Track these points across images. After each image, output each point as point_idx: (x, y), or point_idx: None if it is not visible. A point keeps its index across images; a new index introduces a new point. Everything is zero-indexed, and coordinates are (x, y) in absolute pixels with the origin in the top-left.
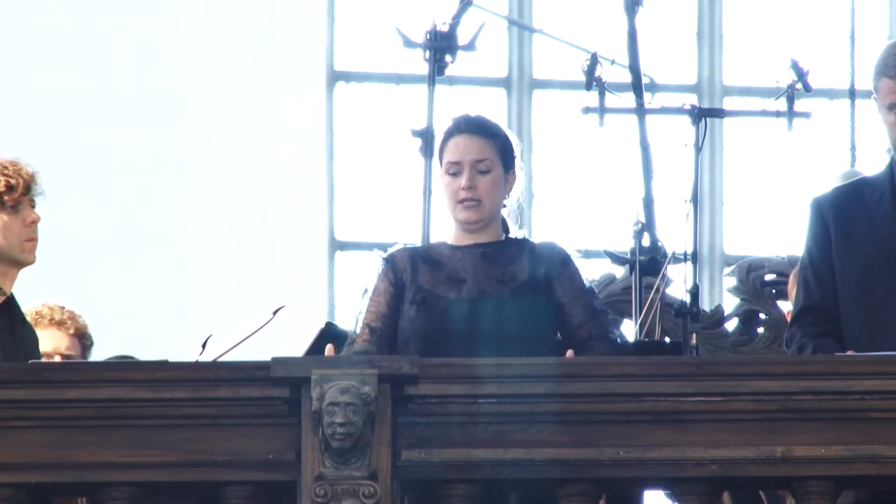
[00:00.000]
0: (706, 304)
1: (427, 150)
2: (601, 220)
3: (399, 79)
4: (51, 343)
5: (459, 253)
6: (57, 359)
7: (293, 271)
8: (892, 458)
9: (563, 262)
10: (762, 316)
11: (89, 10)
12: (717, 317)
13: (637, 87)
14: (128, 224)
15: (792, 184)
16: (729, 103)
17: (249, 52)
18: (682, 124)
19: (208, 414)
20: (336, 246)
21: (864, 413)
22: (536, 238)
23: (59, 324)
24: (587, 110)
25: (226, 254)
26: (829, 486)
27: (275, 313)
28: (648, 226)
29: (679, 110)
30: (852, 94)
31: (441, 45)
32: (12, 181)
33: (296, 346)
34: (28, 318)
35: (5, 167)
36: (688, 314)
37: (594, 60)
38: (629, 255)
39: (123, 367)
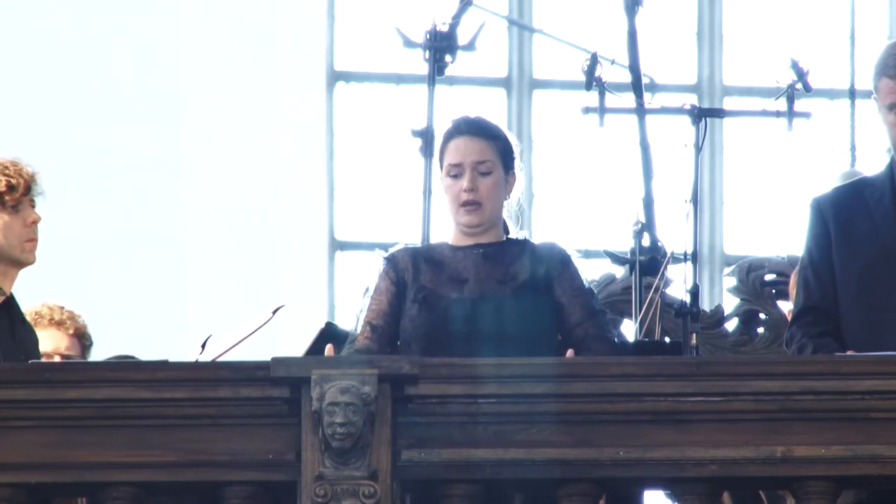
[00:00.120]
0: (706, 304)
1: (427, 150)
2: (601, 220)
3: (399, 79)
4: (50, 343)
5: (461, 253)
6: (56, 359)
7: (293, 271)
8: (892, 458)
9: (563, 262)
10: (762, 316)
11: (89, 10)
12: (717, 317)
13: (637, 87)
14: (128, 224)
15: (792, 184)
16: (729, 103)
17: (249, 52)
18: (682, 124)
19: (208, 414)
20: (336, 246)
21: (864, 413)
22: (536, 238)
23: (59, 324)
24: (587, 110)
25: (226, 254)
26: (829, 486)
27: (274, 313)
28: (648, 226)
29: (679, 110)
30: (852, 94)
31: (441, 45)
32: (13, 181)
33: (296, 346)
34: (28, 318)
35: (6, 167)
36: (688, 314)
37: (594, 60)
38: (629, 255)
39: (123, 367)
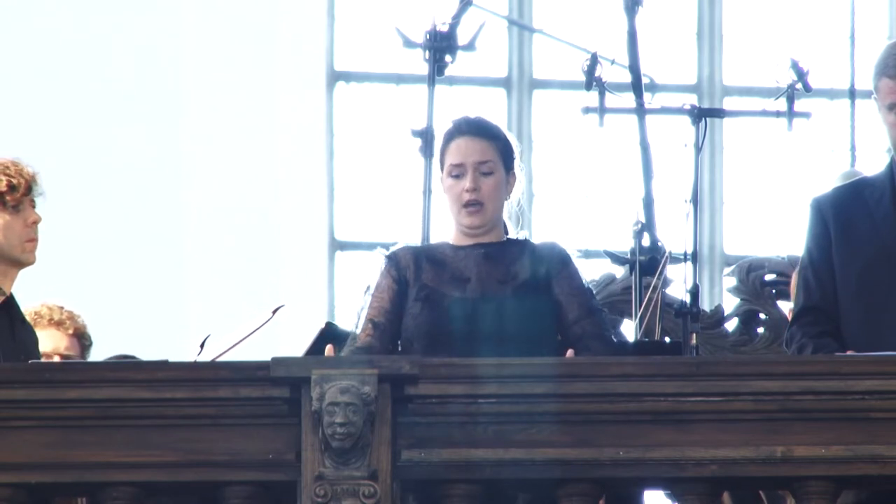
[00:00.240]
0: (706, 304)
1: (427, 150)
2: (601, 220)
3: (399, 79)
4: (50, 343)
5: (462, 252)
6: (56, 359)
7: (293, 271)
8: (892, 458)
9: (562, 262)
10: (762, 316)
11: (89, 10)
12: (717, 317)
13: (637, 87)
14: (128, 224)
15: (792, 184)
16: (729, 103)
17: (249, 52)
18: (682, 124)
19: (208, 414)
20: (336, 246)
21: (864, 413)
22: (536, 238)
23: (59, 324)
24: (587, 110)
25: (226, 254)
26: (829, 486)
27: (274, 313)
28: (648, 226)
29: (679, 110)
30: (852, 94)
31: (441, 45)
32: (14, 181)
33: (296, 346)
34: (28, 318)
35: (7, 167)
36: (688, 314)
37: (594, 60)
38: (629, 255)
39: (123, 367)
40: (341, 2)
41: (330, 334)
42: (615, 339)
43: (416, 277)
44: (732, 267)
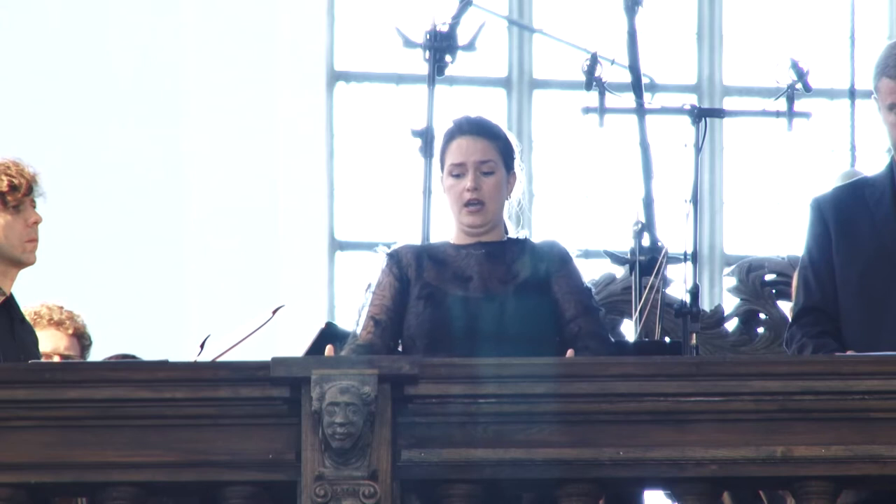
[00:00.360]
0: (706, 304)
1: (427, 150)
2: (601, 220)
3: (399, 79)
4: (50, 343)
5: (464, 251)
6: (56, 359)
7: (293, 271)
8: (892, 458)
9: (562, 260)
10: (762, 316)
11: (89, 10)
12: (717, 317)
13: (637, 87)
14: (128, 224)
15: (792, 184)
16: (729, 103)
17: (249, 52)
18: (682, 124)
19: (208, 414)
20: (336, 246)
21: (864, 413)
22: (536, 238)
23: (58, 324)
24: (587, 110)
25: (226, 254)
26: (829, 486)
27: (274, 313)
28: (648, 226)
29: (679, 110)
30: (852, 94)
31: (441, 45)
32: (15, 181)
33: (296, 346)
34: (27, 318)
35: (8, 167)
36: (688, 314)
37: (594, 60)
38: (629, 255)
39: (123, 367)
40: (341, 2)
41: (330, 334)
42: (612, 339)
43: (417, 276)
44: (732, 267)
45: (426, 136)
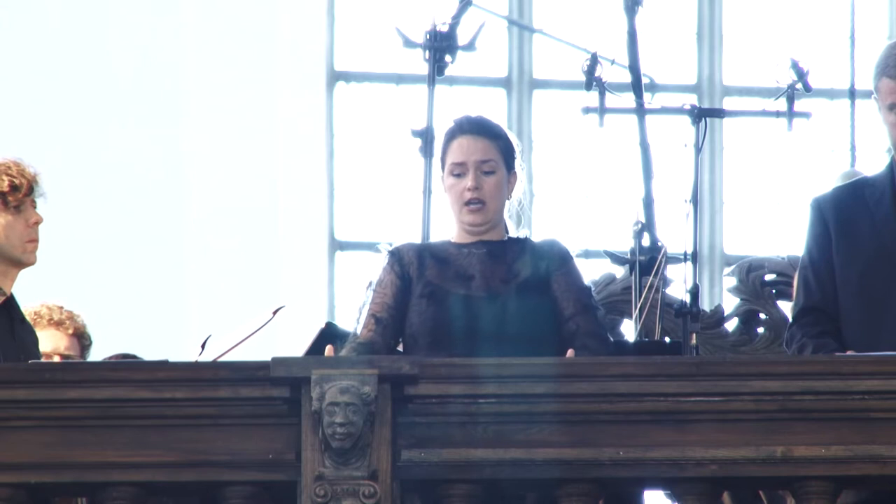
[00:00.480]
0: (706, 304)
1: (427, 150)
2: (601, 220)
3: (399, 79)
4: (50, 343)
5: (465, 250)
6: (56, 359)
7: (293, 271)
8: (892, 458)
9: (562, 258)
10: (762, 316)
11: (89, 10)
12: (717, 317)
13: (637, 87)
14: (128, 224)
15: (792, 184)
16: (729, 103)
17: (249, 52)
18: (682, 124)
19: (208, 414)
20: (336, 246)
21: (864, 413)
22: (536, 238)
23: (58, 324)
24: (587, 110)
25: (226, 254)
26: (829, 486)
27: (274, 313)
28: (648, 226)
29: (679, 110)
30: (852, 94)
31: (441, 45)
32: (16, 181)
33: (296, 346)
34: (27, 318)
35: (9, 167)
36: (688, 314)
37: (594, 60)
38: (629, 255)
39: (123, 367)
40: (341, 2)
41: (330, 334)
42: (611, 338)
43: (419, 274)
44: (732, 267)
45: (426, 136)
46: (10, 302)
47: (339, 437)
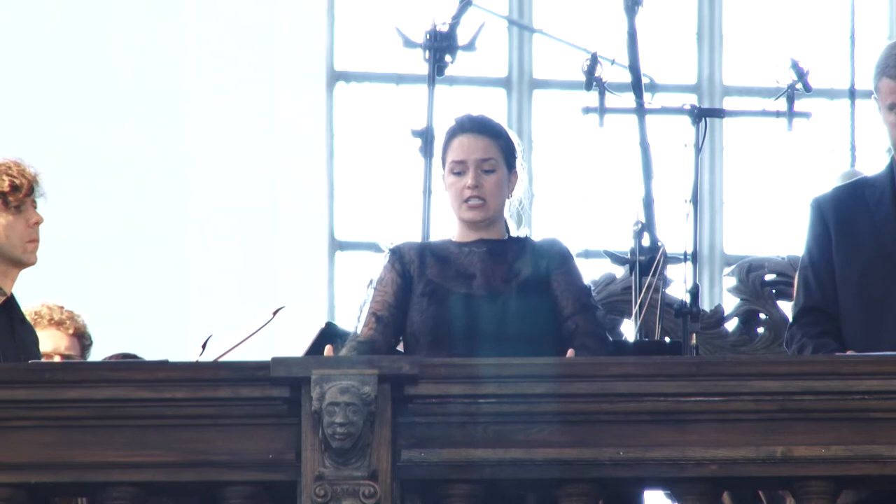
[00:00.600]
0: (706, 304)
1: (427, 150)
2: (601, 220)
3: (399, 79)
4: (50, 343)
5: (466, 249)
6: (56, 359)
7: (293, 271)
8: (892, 458)
9: (562, 257)
10: (762, 316)
11: (89, 10)
12: (717, 317)
13: (637, 87)
14: (128, 224)
15: (792, 184)
16: (729, 103)
17: (249, 52)
18: (682, 124)
19: (208, 414)
20: (336, 246)
21: (864, 413)
22: (536, 238)
23: (59, 324)
24: (587, 110)
25: (226, 254)
26: (829, 486)
27: (275, 313)
28: (648, 226)
29: (679, 110)
30: (852, 94)
31: (441, 45)
32: (17, 181)
33: (296, 346)
34: (28, 318)
35: (9, 167)
36: (688, 314)
37: (594, 60)
38: (629, 255)
39: (123, 367)
40: (341, 2)
41: (330, 334)
42: (609, 337)
43: (420, 272)
44: (732, 267)
45: (426, 136)
46: (11, 302)
47: (339, 437)
